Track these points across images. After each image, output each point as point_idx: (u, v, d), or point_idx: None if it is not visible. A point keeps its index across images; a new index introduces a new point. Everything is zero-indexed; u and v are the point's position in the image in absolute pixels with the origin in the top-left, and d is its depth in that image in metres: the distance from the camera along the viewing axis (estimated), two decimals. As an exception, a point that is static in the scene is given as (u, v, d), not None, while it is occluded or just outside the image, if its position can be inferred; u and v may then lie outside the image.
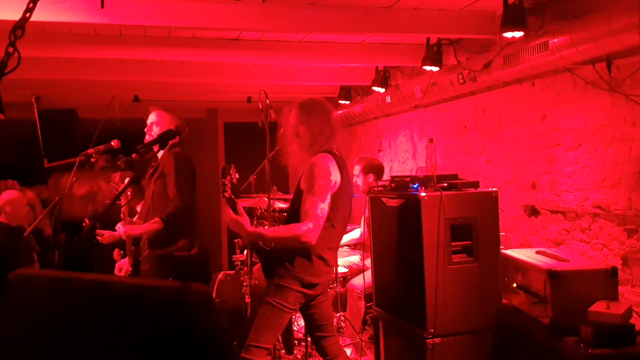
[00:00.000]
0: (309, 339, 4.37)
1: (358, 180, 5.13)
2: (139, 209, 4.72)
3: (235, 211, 2.82)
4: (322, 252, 3.00)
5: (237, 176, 2.85)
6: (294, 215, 3.02)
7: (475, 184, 3.67)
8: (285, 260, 2.98)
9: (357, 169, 5.13)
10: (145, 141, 3.97)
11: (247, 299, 4.62)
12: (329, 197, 2.89)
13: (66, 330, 1.41)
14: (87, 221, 3.87)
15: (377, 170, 5.16)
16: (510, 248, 3.86)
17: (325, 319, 3.20)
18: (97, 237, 3.99)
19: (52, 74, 5.45)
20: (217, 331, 1.36)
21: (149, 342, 1.32)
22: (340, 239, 3.23)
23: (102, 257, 4.49)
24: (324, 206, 2.85)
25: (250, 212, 5.34)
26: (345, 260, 5.30)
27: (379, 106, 6.15)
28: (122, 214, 3.92)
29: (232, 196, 2.80)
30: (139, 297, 1.36)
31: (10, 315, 1.46)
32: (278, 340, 4.31)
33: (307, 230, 2.81)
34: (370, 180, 5.02)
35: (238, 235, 5.35)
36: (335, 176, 2.96)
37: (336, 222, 3.03)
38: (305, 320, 3.26)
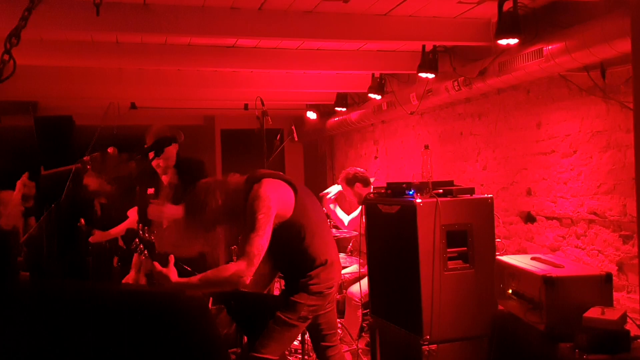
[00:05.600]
0: (305, 346, 4.36)
1: (349, 195, 5.16)
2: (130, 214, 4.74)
3: (164, 265, 2.72)
4: (327, 256, 3.01)
5: (151, 237, 2.76)
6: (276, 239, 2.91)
7: (471, 191, 3.68)
8: (297, 279, 2.97)
9: (343, 187, 5.16)
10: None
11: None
12: (268, 228, 2.77)
13: (61, 337, 1.40)
14: (82, 221, 3.86)
15: (359, 178, 5.18)
16: (506, 254, 3.87)
17: (332, 328, 3.18)
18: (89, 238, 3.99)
19: (49, 81, 5.46)
20: (211, 339, 1.36)
21: (143, 350, 1.32)
22: (331, 234, 3.25)
23: (98, 264, 4.49)
24: (264, 242, 2.74)
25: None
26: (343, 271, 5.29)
27: (375, 113, 6.17)
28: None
29: (158, 252, 2.72)
30: (132, 303, 1.36)
31: (4, 322, 1.46)
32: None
33: (240, 270, 2.68)
34: (358, 190, 5.05)
35: (234, 242, 5.36)
36: (279, 198, 2.87)
37: (319, 226, 3.05)
38: (310, 331, 3.22)
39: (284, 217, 2.88)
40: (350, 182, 5.12)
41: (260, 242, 2.72)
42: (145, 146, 3.59)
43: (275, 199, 2.83)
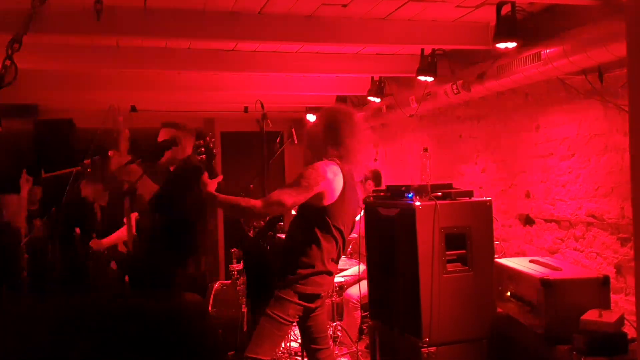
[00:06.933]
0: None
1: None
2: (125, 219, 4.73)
3: (212, 175, 2.97)
4: (323, 264, 3.00)
5: (214, 141, 2.99)
6: (296, 221, 3.09)
7: (469, 193, 3.69)
8: (287, 273, 2.99)
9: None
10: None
11: (244, 309, 4.63)
12: (301, 197, 2.94)
13: (61, 343, 1.42)
14: (77, 230, 3.87)
15: (374, 176, 5.18)
16: (505, 257, 3.88)
17: (321, 332, 3.19)
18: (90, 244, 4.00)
19: (50, 84, 5.48)
20: (211, 342, 1.38)
21: (142, 354, 1.34)
22: (340, 251, 3.18)
23: (98, 268, 4.49)
24: (287, 199, 2.91)
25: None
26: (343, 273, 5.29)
27: (375, 116, 6.18)
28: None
29: (209, 162, 3.03)
30: (132, 308, 1.37)
31: (6, 328, 1.47)
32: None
33: (254, 206, 2.91)
34: (368, 186, 5.05)
35: (235, 244, 5.37)
36: (331, 185, 2.96)
37: (337, 235, 3.03)
38: (301, 333, 3.24)
39: (320, 202, 2.96)
40: (365, 176, 5.12)
41: (284, 197, 2.90)
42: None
43: (328, 183, 2.96)
